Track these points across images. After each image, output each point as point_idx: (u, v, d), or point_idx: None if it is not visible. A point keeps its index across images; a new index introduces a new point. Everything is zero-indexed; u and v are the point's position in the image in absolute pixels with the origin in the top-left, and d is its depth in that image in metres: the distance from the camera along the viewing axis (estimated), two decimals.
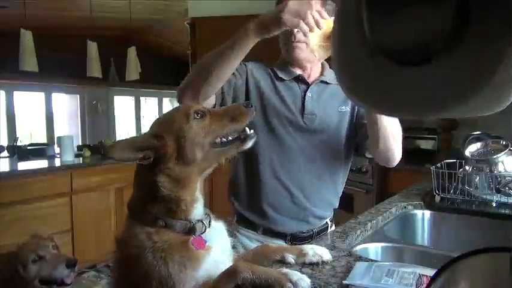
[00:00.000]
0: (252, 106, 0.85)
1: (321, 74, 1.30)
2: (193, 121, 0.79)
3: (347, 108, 1.28)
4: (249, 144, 0.85)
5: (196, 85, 1.05)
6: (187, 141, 0.78)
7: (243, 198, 1.28)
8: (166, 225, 0.76)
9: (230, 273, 0.74)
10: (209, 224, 0.82)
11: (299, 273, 0.75)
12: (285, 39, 1.20)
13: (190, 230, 0.77)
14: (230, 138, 0.83)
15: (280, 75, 1.26)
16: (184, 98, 1.08)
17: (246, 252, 0.95)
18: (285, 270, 0.77)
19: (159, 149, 0.76)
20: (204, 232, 0.79)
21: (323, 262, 0.91)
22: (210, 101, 1.13)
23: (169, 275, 0.71)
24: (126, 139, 0.77)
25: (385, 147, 1.14)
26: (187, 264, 0.73)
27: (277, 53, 1.31)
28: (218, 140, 0.81)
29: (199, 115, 0.81)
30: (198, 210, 0.81)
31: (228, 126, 0.82)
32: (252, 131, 0.86)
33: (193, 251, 0.75)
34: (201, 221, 0.80)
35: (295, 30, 1.13)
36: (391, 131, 1.12)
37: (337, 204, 1.35)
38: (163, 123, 0.83)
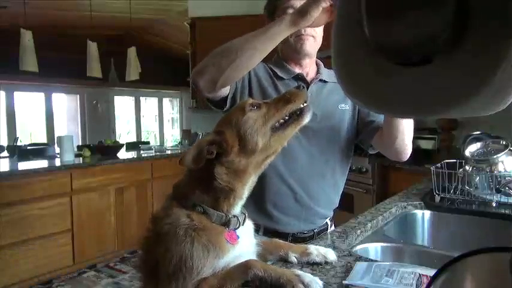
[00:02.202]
0: (303, 87, 0.88)
1: (317, 72, 1.31)
2: (249, 112, 0.83)
3: (346, 106, 1.29)
4: (307, 116, 0.87)
5: (219, 69, 0.99)
6: (247, 130, 0.81)
7: (245, 200, 1.28)
8: (204, 212, 0.79)
9: (242, 268, 0.75)
10: (243, 222, 0.85)
11: (311, 275, 0.75)
12: (296, 33, 1.19)
13: (225, 223, 0.80)
14: (287, 118, 0.86)
15: (280, 74, 1.26)
16: (201, 81, 1.02)
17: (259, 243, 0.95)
18: (298, 271, 0.77)
19: (221, 143, 0.80)
20: (237, 228, 0.82)
21: (326, 263, 0.91)
22: (224, 91, 1.10)
23: (191, 255, 0.73)
24: (193, 145, 0.81)
25: (402, 144, 1.17)
26: (211, 250, 0.75)
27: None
28: (277, 124, 0.84)
29: (255, 107, 0.85)
30: (238, 206, 0.84)
31: (284, 108, 0.85)
32: (305, 103, 0.88)
33: (222, 240, 0.77)
34: (237, 217, 0.83)
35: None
36: (408, 128, 1.15)
37: (338, 203, 1.36)
38: (223, 120, 0.87)
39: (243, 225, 0.85)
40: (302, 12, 0.97)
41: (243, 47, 0.97)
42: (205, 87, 1.03)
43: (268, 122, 0.83)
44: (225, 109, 1.16)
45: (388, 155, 1.26)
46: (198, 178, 0.82)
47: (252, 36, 0.99)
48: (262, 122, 0.83)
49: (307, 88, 1.25)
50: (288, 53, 1.27)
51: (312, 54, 1.26)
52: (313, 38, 1.21)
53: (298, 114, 0.86)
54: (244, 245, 0.83)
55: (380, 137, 1.23)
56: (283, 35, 1.01)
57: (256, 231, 1.26)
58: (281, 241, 0.99)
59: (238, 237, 0.81)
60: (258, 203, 1.23)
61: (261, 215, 1.24)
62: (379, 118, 1.24)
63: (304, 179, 1.24)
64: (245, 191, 0.84)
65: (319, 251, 0.92)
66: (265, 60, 1.28)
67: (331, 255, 0.92)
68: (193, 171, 0.84)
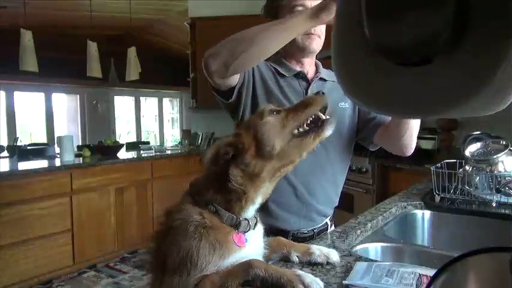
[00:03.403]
0: (323, 93, 0.87)
1: (317, 71, 1.31)
2: (268, 117, 0.84)
3: (346, 105, 1.29)
4: (328, 129, 0.85)
5: (233, 54, 0.97)
6: (264, 133, 0.82)
7: None
8: (216, 212, 0.81)
9: (243, 267, 0.75)
10: (254, 226, 0.85)
11: (312, 276, 0.75)
12: (305, 31, 1.19)
13: (235, 225, 0.81)
14: (307, 128, 0.85)
15: (282, 71, 1.26)
16: (214, 64, 0.99)
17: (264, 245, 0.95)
18: (298, 272, 0.76)
19: (237, 144, 0.81)
20: (247, 231, 0.83)
21: (328, 263, 0.90)
22: (235, 77, 1.09)
23: (197, 251, 0.74)
24: (214, 144, 0.83)
25: (409, 140, 1.18)
26: (218, 248, 0.76)
27: None
28: (296, 131, 0.84)
29: (274, 112, 0.85)
30: (250, 211, 0.84)
31: (303, 112, 0.85)
32: (329, 116, 0.87)
33: (228, 241, 0.78)
34: (248, 221, 0.83)
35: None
36: (416, 124, 1.15)
37: (337, 202, 1.36)
38: (243, 123, 0.89)
39: (253, 229, 0.85)
40: (324, 7, 0.95)
41: (260, 35, 0.96)
42: (216, 70, 1.01)
43: (287, 126, 0.83)
44: (230, 100, 1.15)
45: (392, 150, 1.26)
46: (214, 178, 0.83)
47: (270, 26, 0.97)
48: (280, 125, 0.83)
49: (308, 87, 1.26)
50: (291, 50, 1.26)
51: (315, 52, 1.27)
52: (319, 37, 1.22)
53: (319, 125, 0.85)
54: (251, 248, 0.83)
55: (383, 134, 1.24)
56: (303, 28, 0.99)
57: None
58: (284, 239, 0.99)
59: (246, 240, 0.82)
60: None
61: (262, 213, 1.24)
62: (381, 115, 1.25)
63: (305, 176, 1.24)
64: (258, 196, 0.84)
65: (321, 251, 0.91)
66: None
67: (334, 256, 0.91)
68: (212, 171, 0.85)
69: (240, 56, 0.97)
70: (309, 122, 0.85)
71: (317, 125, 0.85)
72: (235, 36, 0.99)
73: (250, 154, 0.81)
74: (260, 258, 0.86)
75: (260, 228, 0.90)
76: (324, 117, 0.86)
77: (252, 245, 0.83)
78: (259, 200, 0.85)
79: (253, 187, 0.82)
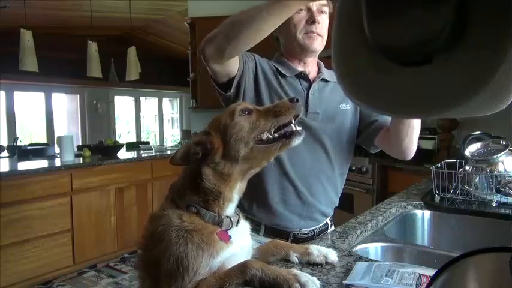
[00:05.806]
0: (297, 101, 0.85)
1: (319, 71, 1.31)
2: (238, 118, 0.83)
3: (348, 106, 1.29)
4: (295, 141, 0.85)
5: (227, 38, 0.97)
6: (232, 136, 0.81)
7: (248, 196, 1.28)
8: (198, 212, 0.81)
9: (240, 268, 0.75)
10: (237, 223, 0.85)
11: (309, 275, 0.75)
12: (305, 30, 1.20)
13: (218, 224, 0.82)
14: (276, 135, 0.84)
15: (283, 71, 1.25)
16: (209, 48, 0.99)
17: (258, 246, 0.95)
18: (295, 271, 0.76)
19: (206, 144, 0.81)
20: (230, 229, 0.83)
21: (327, 263, 0.90)
22: (232, 66, 1.08)
23: (185, 255, 0.74)
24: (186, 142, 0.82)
25: (409, 144, 1.17)
26: (205, 249, 0.76)
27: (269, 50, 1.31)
28: (264, 136, 0.83)
29: (245, 112, 0.84)
30: (230, 208, 0.84)
31: (271, 121, 0.84)
32: (300, 128, 0.86)
33: (214, 239, 0.78)
34: (229, 218, 0.83)
35: (317, 23, 1.18)
36: (416, 127, 1.15)
37: (337, 202, 1.36)
38: (213, 121, 0.87)
39: (236, 226, 0.85)
40: None
41: (253, 16, 0.94)
42: (211, 55, 1.01)
43: (253, 132, 0.83)
44: (228, 93, 1.14)
45: (392, 154, 1.26)
46: (191, 178, 0.83)
47: (260, 8, 0.95)
48: (248, 130, 0.82)
49: (310, 87, 1.25)
50: (293, 50, 1.26)
51: (317, 52, 1.27)
52: (321, 37, 1.22)
53: (288, 135, 0.85)
54: (238, 245, 0.83)
55: (384, 136, 1.24)
56: (296, 6, 0.98)
57: (257, 230, 1.26)
58: (282, 241, 0.99)
59: (230, 237, 0.82)
60: (260, 199, 1.23)
61: (263, 211, 1.24)
62: (383, 117, 1.24)
63: (306, 176, 1.24)
64: (234, 195, 0.84)
65: (320, 251, 0.91)
66: (267, 58, 1.28)
67: (332, 255, 0.91)
68: (187, 171, 0.85)
69: (233, 40, 0.96)
70: (279, 126, 0.85)
71: (285, 135, 0.85)
72: (229, 20, 0.98)
73: (218, 155, 0.81)
74: (248, 255, 0.87)
75: (245, 225, 0.91)
76: (294, 128, 0.86)
77: (239, 242, 0.84)
78: (236, 198, 0.85)
79: (227, 186, 0.82)
